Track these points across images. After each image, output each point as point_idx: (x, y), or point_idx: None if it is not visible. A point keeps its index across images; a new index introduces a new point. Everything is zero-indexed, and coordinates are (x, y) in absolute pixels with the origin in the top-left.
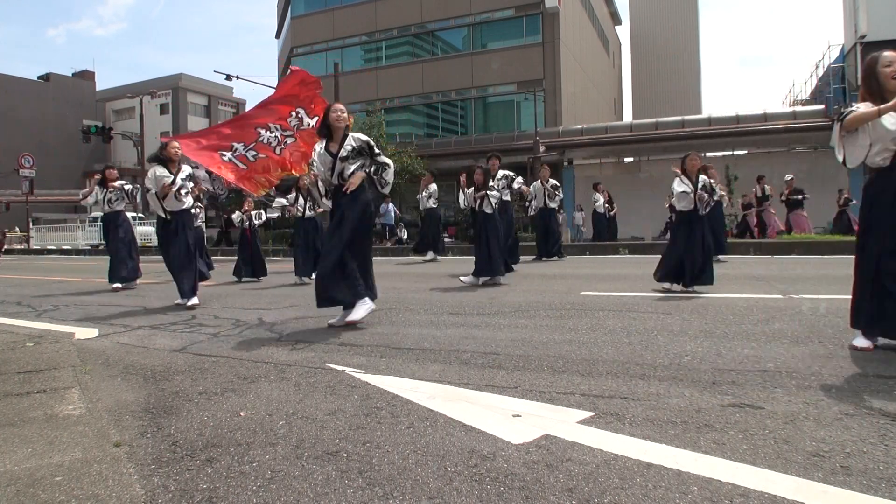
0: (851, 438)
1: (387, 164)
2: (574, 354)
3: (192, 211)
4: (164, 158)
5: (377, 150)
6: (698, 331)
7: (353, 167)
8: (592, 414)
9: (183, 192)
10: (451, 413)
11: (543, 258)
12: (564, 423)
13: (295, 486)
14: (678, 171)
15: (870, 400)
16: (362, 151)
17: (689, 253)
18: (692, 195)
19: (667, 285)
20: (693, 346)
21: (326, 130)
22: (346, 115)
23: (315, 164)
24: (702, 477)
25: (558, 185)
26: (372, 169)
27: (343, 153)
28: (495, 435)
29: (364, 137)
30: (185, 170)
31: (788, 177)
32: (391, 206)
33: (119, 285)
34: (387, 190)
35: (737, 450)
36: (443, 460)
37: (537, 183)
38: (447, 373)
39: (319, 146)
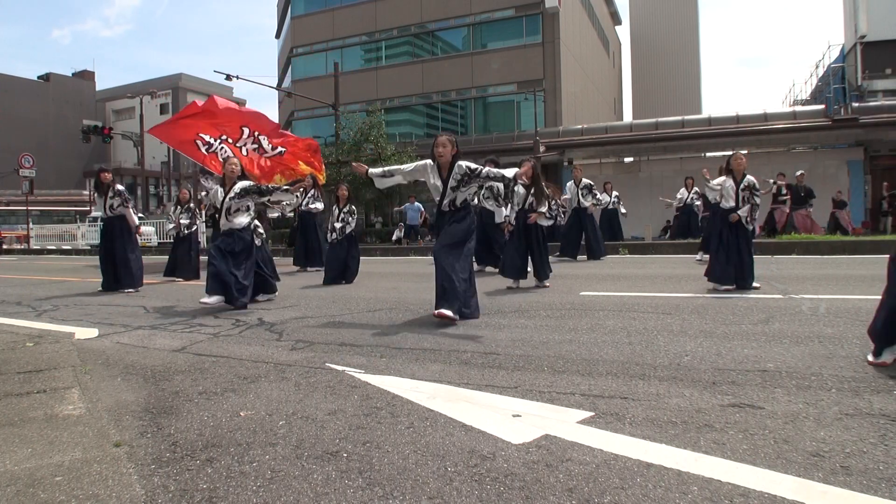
0: (851, 438)
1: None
2: (574, 354)
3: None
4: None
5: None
6: (698, 331)
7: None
8: (592, 414)
9: (233, 209)
10: (451, 413)
11: (577, 258)
12: (564, 423)
13: (295, 486)
14: (724, 170)
15: (870, 400)
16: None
17: (737, 251)
18: (735, 194)
19: (727, 287)
20: (693, 346)
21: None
22: (447, 148)
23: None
24: (702, 477)
25: (592, 184)
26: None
27: (452, 183)
28: (495, 435)
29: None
30: (238, 186)
31: (799, 172)
32: (417, 204)
33: (133, 290)
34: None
35: (737, 450)
36: (443, 460)
37: (570, 183)
38: (447, 373)
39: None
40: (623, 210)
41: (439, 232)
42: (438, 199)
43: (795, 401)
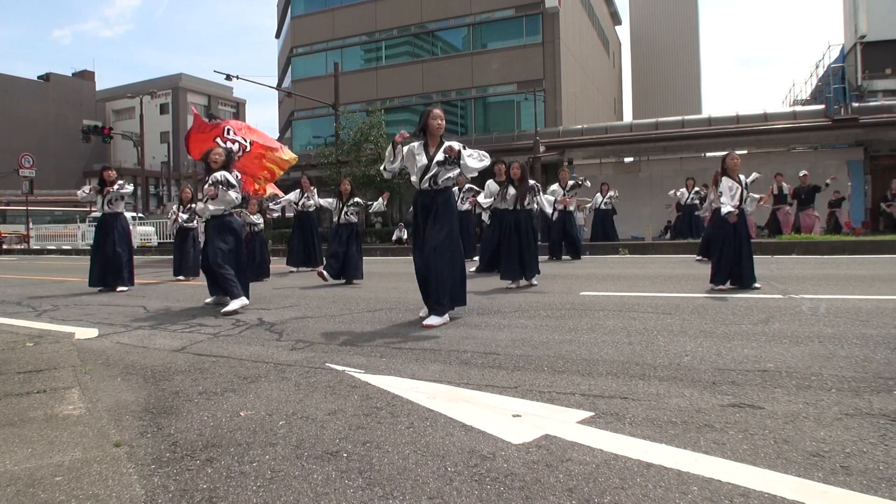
0: (851, 438)
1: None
2: (574, 354)
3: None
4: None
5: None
6: (698, 331)
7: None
8: (592, 414)
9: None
10: (451, 413)
11: (562, 258)
12: (564, 423)
13: (295, 486)
14: (719, 171)
15: (870, 400)
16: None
17: (737, 251)
18: (738, 193)
19: (723, 286)
20: (693, 346)
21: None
22: (443, 121)
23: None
24: (702, 477)
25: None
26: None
27: (440, 157)
28: (495, 435)
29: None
30: (214, 177)
31: (802, 172)
32: None
33: (124, 288)
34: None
35: (737, 450)
36: (443, 460)
37: (556, 185)
38: (447, 373)
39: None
40: (611, 207)
41: (416, 221)
42: (419, 177)
43: (795, 401)
